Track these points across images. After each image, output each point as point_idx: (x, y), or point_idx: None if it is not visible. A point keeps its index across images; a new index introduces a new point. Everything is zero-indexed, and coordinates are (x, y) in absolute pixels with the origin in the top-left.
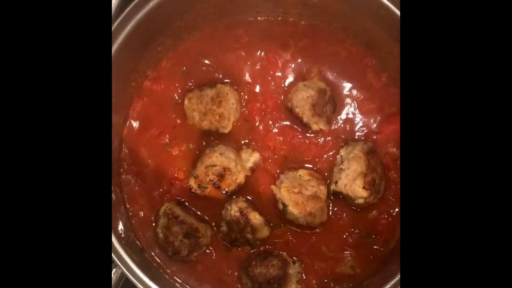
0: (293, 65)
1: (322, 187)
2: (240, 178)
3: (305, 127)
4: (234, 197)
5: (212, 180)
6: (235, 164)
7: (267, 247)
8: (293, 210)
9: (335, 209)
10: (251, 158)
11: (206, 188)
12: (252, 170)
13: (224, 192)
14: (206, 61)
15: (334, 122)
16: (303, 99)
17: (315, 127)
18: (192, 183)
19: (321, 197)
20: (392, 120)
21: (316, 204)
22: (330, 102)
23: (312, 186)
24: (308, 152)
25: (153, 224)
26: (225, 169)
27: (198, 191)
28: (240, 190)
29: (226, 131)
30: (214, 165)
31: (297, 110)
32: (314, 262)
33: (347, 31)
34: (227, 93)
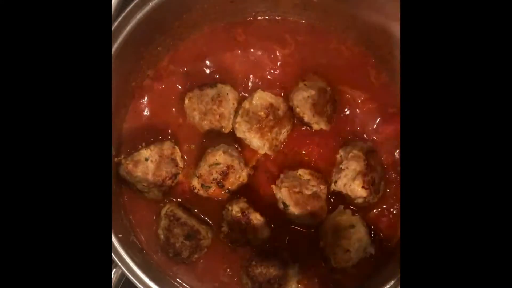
0: (293, 65)
1: (322, 187)
2: (243, 177)
3: (306, 126)
4: (236, 197)
5: (216, 178)
6: (238, 162)
7: (267, 247)
8: (293, 209)
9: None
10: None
11: (210, 187)
12: (254, 168)
13: (226, 191)
14: (206, 61)
15: (334, 121)
16: (303, 99)
17: (315, 126)
18: (196, 183)
19: (322, 197)
20: (392, 120)
21: (317, 203)
22: (331, 102)
23: (313, 185)
24: (308, 151)
25: (154, 225)
26: (229, 167)
27: (201, 191)
28: (241, 190)
29: (227, 131)
30: (218, 164)
31: (297, 109)
32: (314, 261)
33: (347, 31)
34: (227, 93)
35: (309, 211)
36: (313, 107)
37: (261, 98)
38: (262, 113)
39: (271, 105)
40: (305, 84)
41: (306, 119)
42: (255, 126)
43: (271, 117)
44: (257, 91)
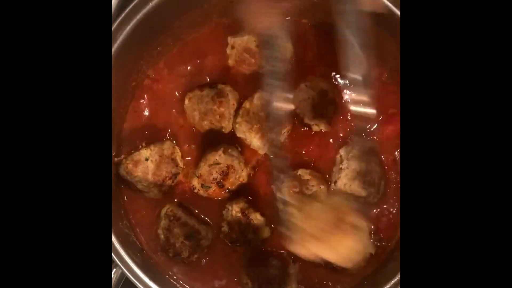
0: (294, 65)
1: (322, 186)
2: (244, 177)
3: (306, 127)
4: (236, 197)
5: (216, 178)
6: (238, 162)
7: (267, 247)
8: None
9: None
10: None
11: (210, 187)
12: (254, 168)
13: (226, 191)
14: (207, 61)
15: (335, 121)
16: (304, 100)
17: (315, 128)
18: (195, 183)
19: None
20: (392, 120)
21: None
22: (332, 103)
23: (313, 185)
24: (309, 152)
25: (154, 225)
26: (229, 166)
27: (201, 191)
28: (241, 190)
29: (227, 131)
30: (218, 163)
31: (298, 111)
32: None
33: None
34: (227, 93)
35: None
36: (314, 108)
37: (262, 98)
38: (262, 114)
39: None
40: (306, 85)
41: (306, 120)
42: (255, 126)
43: None
44: (258, 91)
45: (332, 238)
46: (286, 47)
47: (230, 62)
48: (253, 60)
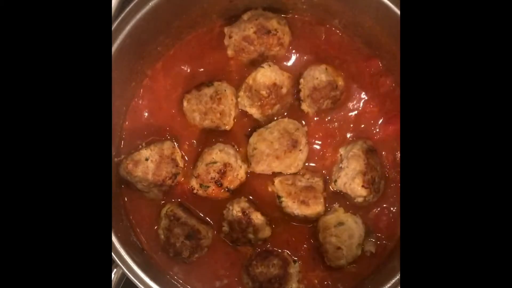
0: (292, 63)
1: (317, 179)
2: (241, 174)
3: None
4: (236, 196)
5: (214, 177)
6: (235, 159)
7: (268, 247)
8: (287, 200)
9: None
10: None
11: (208, 187)
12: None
13: (226, 189)
14: (206, 60)
15: (335, 121)
16: (310, 76)
17: (303, 106)
18: (194, 183)
19: (316, 188)
20: (393, 120)
21: (310, 194)
22: (333, 99)
23: (307, 178)
24: (308, 151)
25: (154, 225)
26: (226, 164)
27: (200, 191)
28: (241, 190)
29: (228, 127)
30: (215, 162)
31: (300, 86)
32: (314, 261)
33: (347, 30)
34: (225, 90)
35: (301, 200)
36: (314, 90)
37: (265, 75)
38: (264, 92)
39: (274, 84)
40: (325, 69)
41: (301, 95)
42: (257, 103)
43: (273, 96)
44: (262, 66)
45: (280, 153)
46: None
47: (229, 52)
48: (252, 48)
